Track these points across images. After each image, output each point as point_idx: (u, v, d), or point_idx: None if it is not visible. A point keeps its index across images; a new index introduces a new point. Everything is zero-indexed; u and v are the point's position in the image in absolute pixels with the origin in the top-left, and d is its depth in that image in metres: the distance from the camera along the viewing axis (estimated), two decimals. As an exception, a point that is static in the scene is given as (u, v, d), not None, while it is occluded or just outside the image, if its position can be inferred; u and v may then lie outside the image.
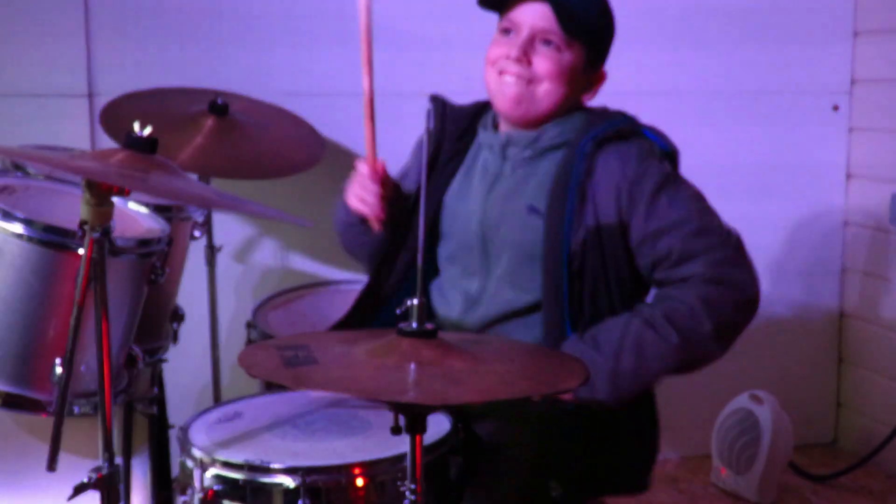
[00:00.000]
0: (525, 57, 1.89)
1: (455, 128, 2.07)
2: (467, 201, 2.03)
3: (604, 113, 2.01)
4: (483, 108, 2.10)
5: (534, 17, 1.88)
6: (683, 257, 1.84)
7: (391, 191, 2.01)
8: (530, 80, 1.91)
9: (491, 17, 2.09)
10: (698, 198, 1.91)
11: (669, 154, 1.98)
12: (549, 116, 1.95)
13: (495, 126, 2.06)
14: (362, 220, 2.05)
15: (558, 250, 1.87)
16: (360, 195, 1.99)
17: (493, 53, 1.95)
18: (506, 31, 1.93)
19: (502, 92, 1.94)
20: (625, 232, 1.88)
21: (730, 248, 1.86)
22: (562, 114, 1.97)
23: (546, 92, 1.92)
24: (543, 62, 1.90)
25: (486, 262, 2.00)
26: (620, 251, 1.88)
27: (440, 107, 2.09)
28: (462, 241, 2.03)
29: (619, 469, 1.99)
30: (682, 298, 1.82)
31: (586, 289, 1.88)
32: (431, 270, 2.12)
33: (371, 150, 1.95)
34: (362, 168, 1.98)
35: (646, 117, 3.32)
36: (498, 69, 1.94)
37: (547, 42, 1.89)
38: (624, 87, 3.29)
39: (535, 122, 1.96)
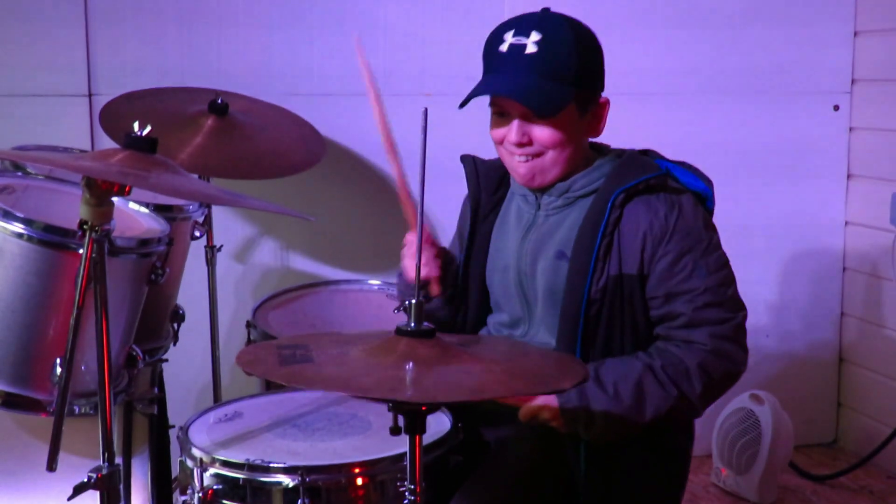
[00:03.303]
0: (524, 137, 1.95)
1: (489, 181, 2.15)
2: (505, 251, 2.09)
3: (631, 158, 2.03)
4: None
5: (516, 104, 1.94)
6: (690, 324, 1.92)
7: (442, 252, 2.14)
8: (536, 154, 1.97)
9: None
10: (719, 266, 1.96)
11: (701, 194, 2.00)
12: (565, 175, 2.00)
13: None
14: (425, 289, 2.11)
15: (579, 295, 1.93)
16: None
17: (495, 135, 2.01)
18: (500, 114, 1.98)
19: (516, 171, 2.01)
20: (644, 282, 1.94)
21: (733, 325, 1.94)
22: (581, 163, 2.01)
23: (553, 159, 1.97)
24: (542, 133, 1.95)
25: (528, 308, 2.06)
26: (638, 300, 1.95)
27: (471, 164, 2.17)
28: (503, 290, 2.09)
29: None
30: (682, 358, 1.91)
31: (600, 334, 1.95)
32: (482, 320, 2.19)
33: (415, 220, 2.00)
34: (411, 238, 2.09)
35: (646, 116, 3.35)
36: (506, 149, 2.00)
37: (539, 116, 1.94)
38: (623, 88, 3.33)
39: (555, 183, 2.02)
